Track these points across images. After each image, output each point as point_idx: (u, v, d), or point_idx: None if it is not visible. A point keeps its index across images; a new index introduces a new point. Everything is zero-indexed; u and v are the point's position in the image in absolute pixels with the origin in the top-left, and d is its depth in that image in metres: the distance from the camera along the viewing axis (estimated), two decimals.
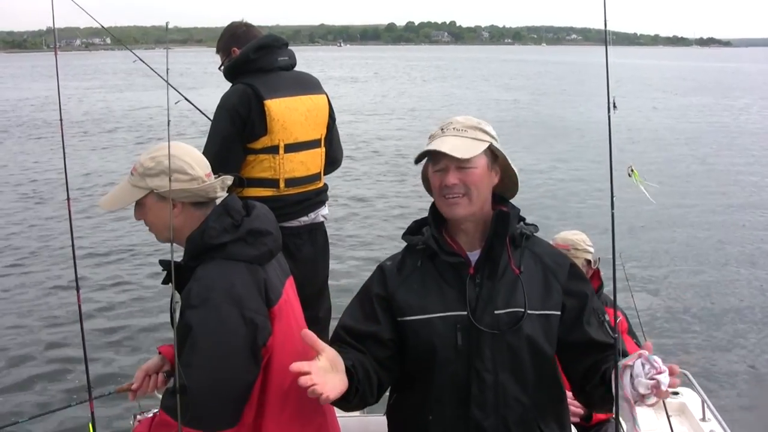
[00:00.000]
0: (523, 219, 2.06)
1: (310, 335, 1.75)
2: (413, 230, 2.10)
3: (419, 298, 1.95)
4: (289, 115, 3.28)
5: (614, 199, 1.84)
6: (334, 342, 1.97)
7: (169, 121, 1.84)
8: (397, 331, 1.97)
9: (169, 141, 1.86)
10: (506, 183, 2.06)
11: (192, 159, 2.00)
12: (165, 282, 2.00)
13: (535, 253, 2.00)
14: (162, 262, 1.99)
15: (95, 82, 45.83)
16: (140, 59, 3.74)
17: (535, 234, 2.04)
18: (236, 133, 3.20)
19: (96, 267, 8.57)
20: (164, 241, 2.01)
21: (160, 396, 2.04)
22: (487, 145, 1.96)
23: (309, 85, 3.48)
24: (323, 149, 3.50)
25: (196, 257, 1.93)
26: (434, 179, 1.96)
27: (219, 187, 2.03)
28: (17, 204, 12.21)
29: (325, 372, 1.71)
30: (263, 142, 3.25)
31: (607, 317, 1.98)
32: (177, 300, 1.86)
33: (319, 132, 3.45)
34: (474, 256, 1.97)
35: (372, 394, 1.92)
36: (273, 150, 3.26)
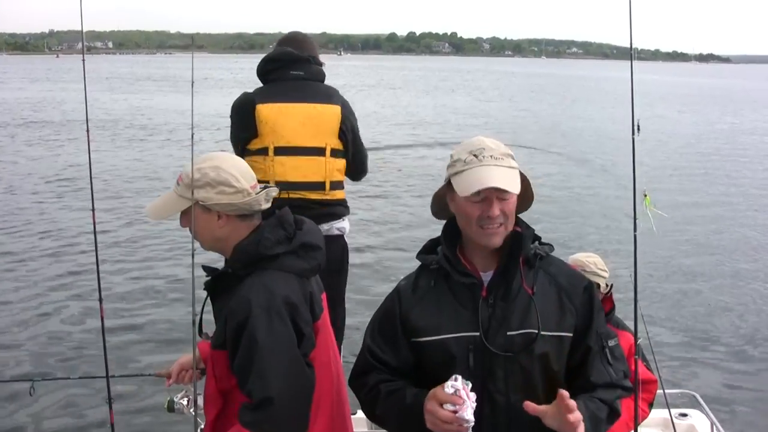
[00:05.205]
0: (538, 238, 2.03)
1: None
2: (428, 249, 2.07)
3: (433, 319, 1.93)
4: (281, 119, 3.37)
5: (636, 221, 1.83)
6: (367, 368, 1.99)
7: (193, 134, 1.83)
8: (413, 351, 1.96)
9: (192, 151, 1.86)
10: (520, 201, 2.02)
11: (238, 171, 1.99)
12: (206, 288, 2.03)
13: (550, 273, 1.97)
14: (206, 268, 2.03)
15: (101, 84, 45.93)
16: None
17: (550, 254, 2.02)
18: (238, 135, 3.44)
19: (119, 274, 8.51)
20: (208, 250, 2.05)
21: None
22: (518, 173, 1.93)
23: (315, 95, 3.47)
24: (329, 159, 3.44)
25: (246, 266, 1.94)
26: (472, 208, 1.89)
27: (263, 199, 2.02)
28: (41, 205, 12.30)
29: None
30: (255, 143, 3.39)
31: (612, 342, 1.96)
32: (197, 312, 1.86)
33: (323, 140, 3.42)
34: (488, 276, 1.95)
35: None
36: (263, 152, 3.38)
